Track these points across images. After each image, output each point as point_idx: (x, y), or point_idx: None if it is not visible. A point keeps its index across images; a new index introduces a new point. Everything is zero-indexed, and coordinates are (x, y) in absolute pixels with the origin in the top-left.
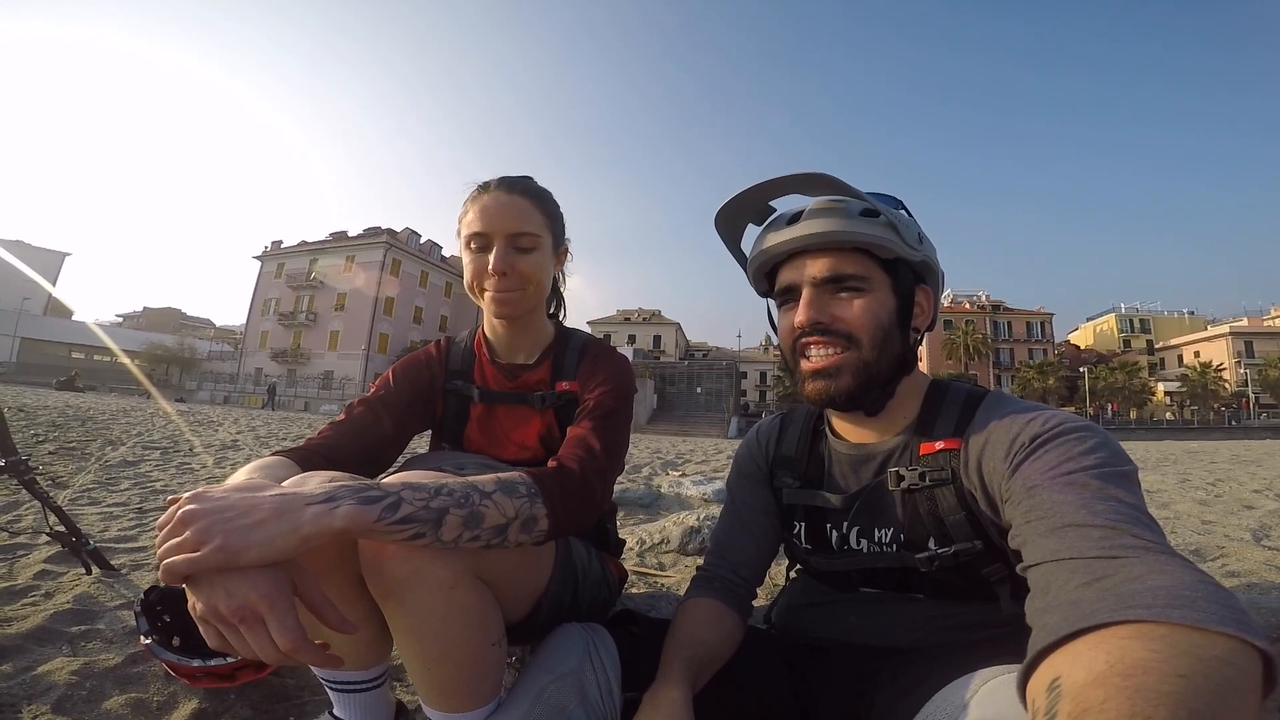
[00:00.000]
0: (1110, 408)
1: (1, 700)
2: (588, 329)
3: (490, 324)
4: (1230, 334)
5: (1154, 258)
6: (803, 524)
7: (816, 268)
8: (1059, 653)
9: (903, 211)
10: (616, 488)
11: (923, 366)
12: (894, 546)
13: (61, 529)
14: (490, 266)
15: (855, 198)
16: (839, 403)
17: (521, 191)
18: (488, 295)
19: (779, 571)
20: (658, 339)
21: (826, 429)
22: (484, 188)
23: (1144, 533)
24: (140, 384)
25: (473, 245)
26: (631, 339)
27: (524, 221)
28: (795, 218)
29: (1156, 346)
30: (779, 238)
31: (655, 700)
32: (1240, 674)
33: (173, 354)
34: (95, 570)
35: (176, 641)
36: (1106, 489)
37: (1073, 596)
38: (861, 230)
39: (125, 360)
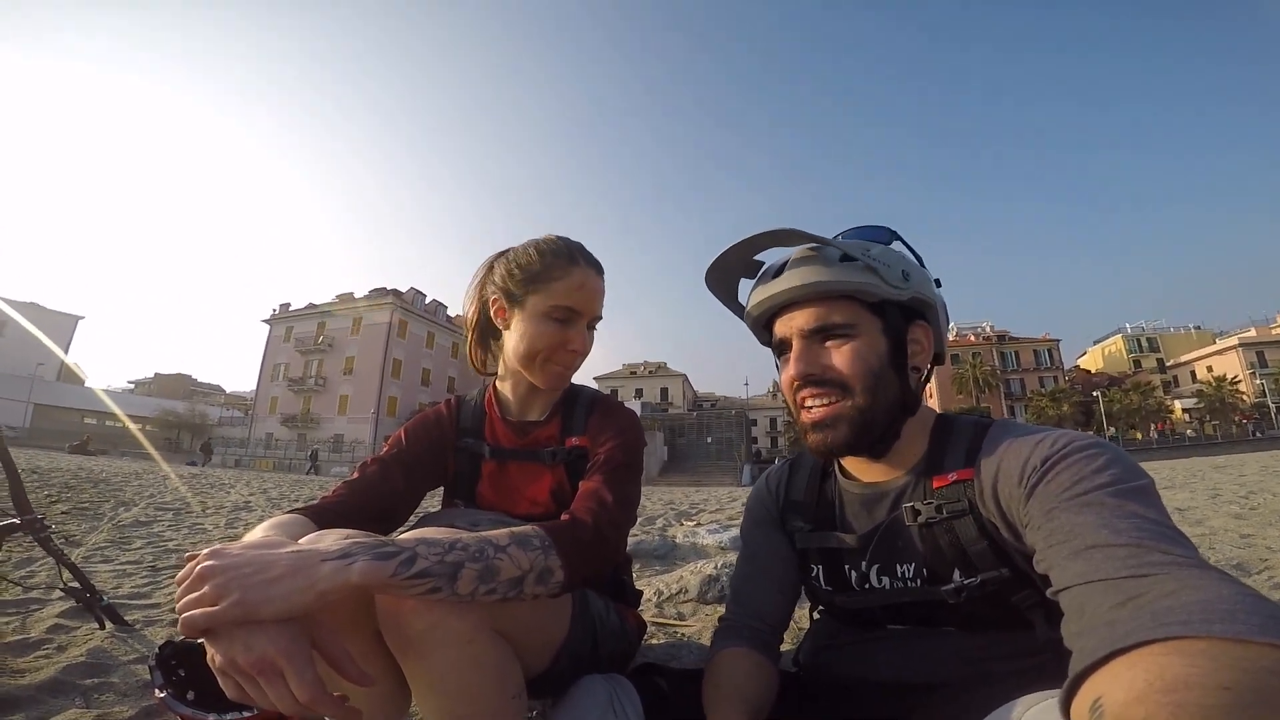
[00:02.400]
0: (1137, 435)
1: None
2: (594, 385)
3: (510, 382)
4: (1240, 345)
5: (1153, 275)
6: (820, 566)
7: (802, 319)
8: (1098, 674)
9: (896, 244)
10: (631, 539)
11: (933, 403)
12: (918, 581)
13: (75, 585)
14: (576, 345)
15: (826, 244)
16: (838, 452)
17: (600, 274)
18: (552, 368)
19: (802, 615)
20: (665, 391)
21: (836, 470)
22: (571, 261)
23: (1171, 547)
24: (150, 449)
25: (557, 318)
26: (639, 393)
27: (602, 303)
28: (779, 270)
29: (1167, 364)
30: (761, 294)
31: None
32: None
33: (184, 420)
34: (109, 625)
35: (191, 695)
36: (1124, 505)
37: (1108, 618)
38: (840, 278)
39: (131, 427)
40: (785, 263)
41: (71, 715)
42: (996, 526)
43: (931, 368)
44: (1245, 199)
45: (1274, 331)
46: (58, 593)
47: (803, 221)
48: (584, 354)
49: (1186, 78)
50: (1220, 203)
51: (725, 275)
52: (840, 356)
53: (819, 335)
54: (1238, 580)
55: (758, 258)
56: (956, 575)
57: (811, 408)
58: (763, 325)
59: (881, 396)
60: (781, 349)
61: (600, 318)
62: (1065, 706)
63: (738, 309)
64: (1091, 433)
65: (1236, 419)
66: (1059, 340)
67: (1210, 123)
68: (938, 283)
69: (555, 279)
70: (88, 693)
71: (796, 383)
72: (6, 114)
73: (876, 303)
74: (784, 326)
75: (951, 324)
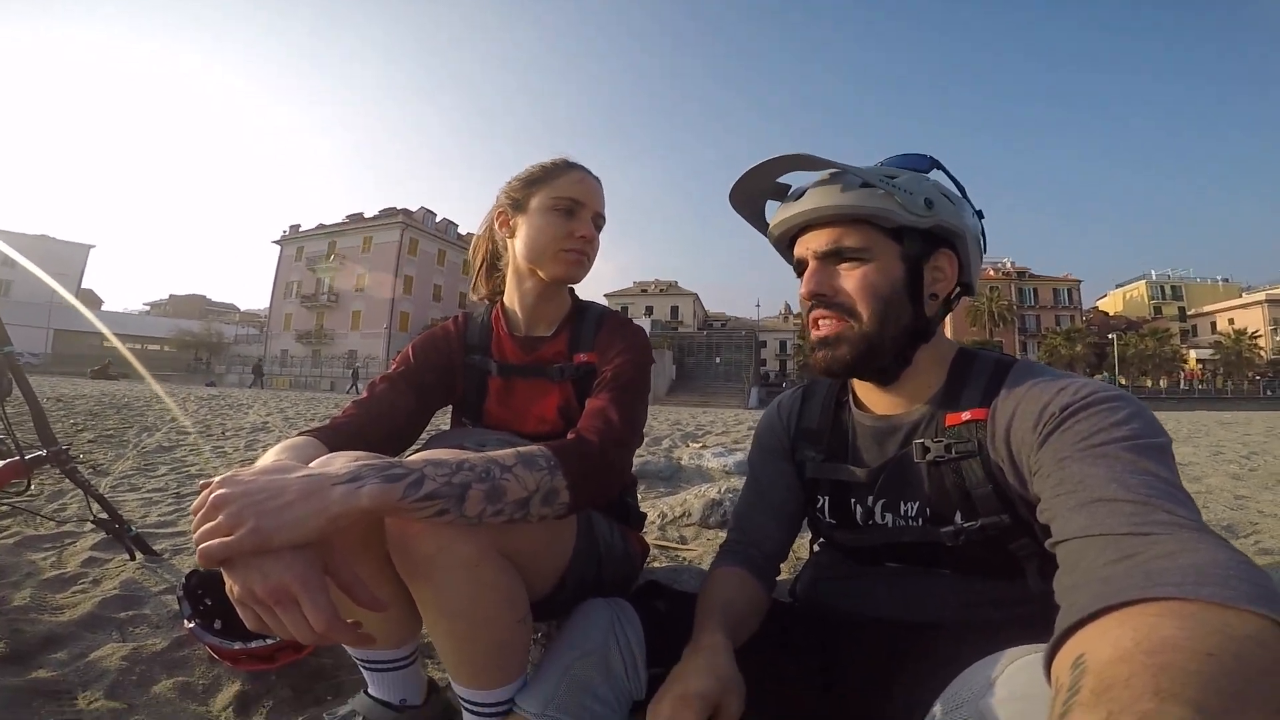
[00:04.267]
0: (1147, 382)
1: (59, 687)
2: (604, 302)
3: (518, 294)
4: (1267, 301)
5: (1186, 223)
6: (827, 498)
7: (818, 241)
8: (1085, 630)
9: (936, 173)
10: (636, 460)
11: (947, 333)
12: (920, 520)
13: (104, 516)
14: (581, 231)
15: (846, 170)
16: (838, 372)
17: (598, 181)
18: (565, 256)
19: (802, 545)
20: (675, 310)
21: (850, 401)
22: (569, 165)
23: (1177, 508)
24: (166, 371)
25: (560, 209)
26: (649, 310)
27: (603, 204)
28: (801, 193)
29: (1189, 313)
30: (780, 215)
31: (698, 645)
32: (1270, 654)
33: (200, 339)
34: (139, 556)
35: (218, 624)
36: (1139, 461)
37: (1102, 574)
38: (856, 203)
39: (127, 354)
40: (806, 186)
41: (109, 649)
42: (1003, 471)
43: (957, 298)
44: None
45: None
46: (89, 525)
47: (822, 151)
48: (592, 243)
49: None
50: (1262, 164)
51: (748, 197)
52: (851, 280)
53: (832, 258)
54: (1236, 548)
55: (784, 180)
56: (958, 517)
57: (819, 327)
58: (786, 245)
59: (891, 323)
60: (800, 269)
61: (603, 217)
62: (1049, 659)
63: (764, 227)
64: (1111, 381)
65: (1250, 375)
66: (1080, 281)
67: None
68: (980, 214)
69: (556, 177)
70: (123, 626)
71: (808, 302)
72: (13, 50)
73: (895, 229)
74: (802, 247)
75: None
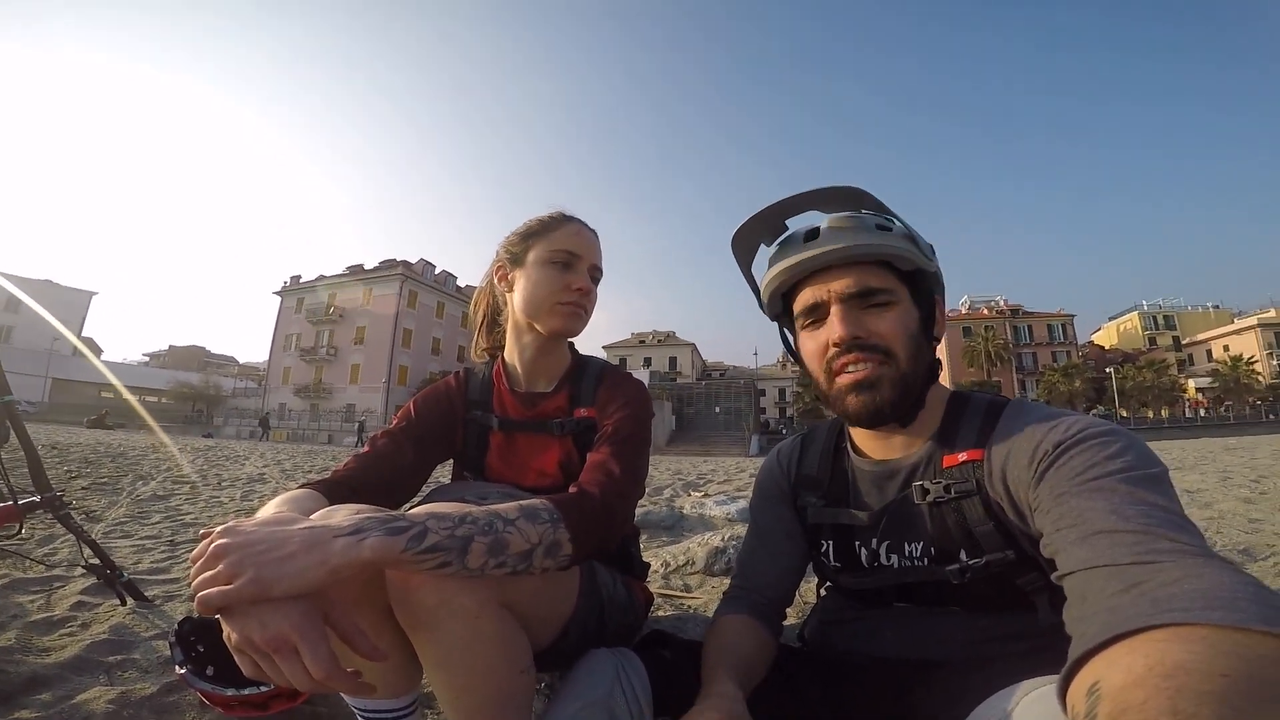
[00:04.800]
0: (1149, 414)
1: None
2: (603, 354)
3: (518, 349)
4: (1259, 325)
5: (1175, 255)
6: (831, 542)
7: (844, 283)
8: (1097, 658)
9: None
10: (638, 510)
11: (942, 376)
12: (925, 560)
13: (96, 561)
14: (577, 284)
15: (885, 212)
16: (885, 415)
17: (595, 234)
18: (562, 310)
19: (809, 589)
20: (673, 360)
21: (848, 447)
22: (566, 218)
23: (1178, 535)
24: (163, 422)
25: (557, 262)
26: (647, 362)
27: (600, 257)
28: (812, 234)
29: (1184, 342)
30: (802, 254)
31: (709, 693)
32: None
33: (198, 392)
34: (130, 601)
35: (210, 671)
36: (1136, 492)
37: (1109, 604)
38: (885, 243)
39: (130, 398)
40: (818, 228)
41: (96, 693)
42: (1003, 508)
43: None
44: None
45: None
46: (79, 570)
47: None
48: (589, 296)
49: (1210, 76)
50: (1247, 186)
51: (752, 236)
52: (884, 322)
53: (860, 299)
54: (1241, 570)
55: (785, 224)
56: (962, 555)
57: (854, 371)
58: (784, 292)
59: (920, 363)
60: (811, 315)
61: (600, 269)
62: (1063, 690)
63: (751, 277)
64: (1101, 416)
65: (1250, 400)
66: (1074, 316)
67: (1239, 119)
68: None
69: (553, 230)
70: (111, 670)
71: (837, 347)
72: (19, 98)
73: (910, 271)
74: (817, 291)
75: (964, 296)
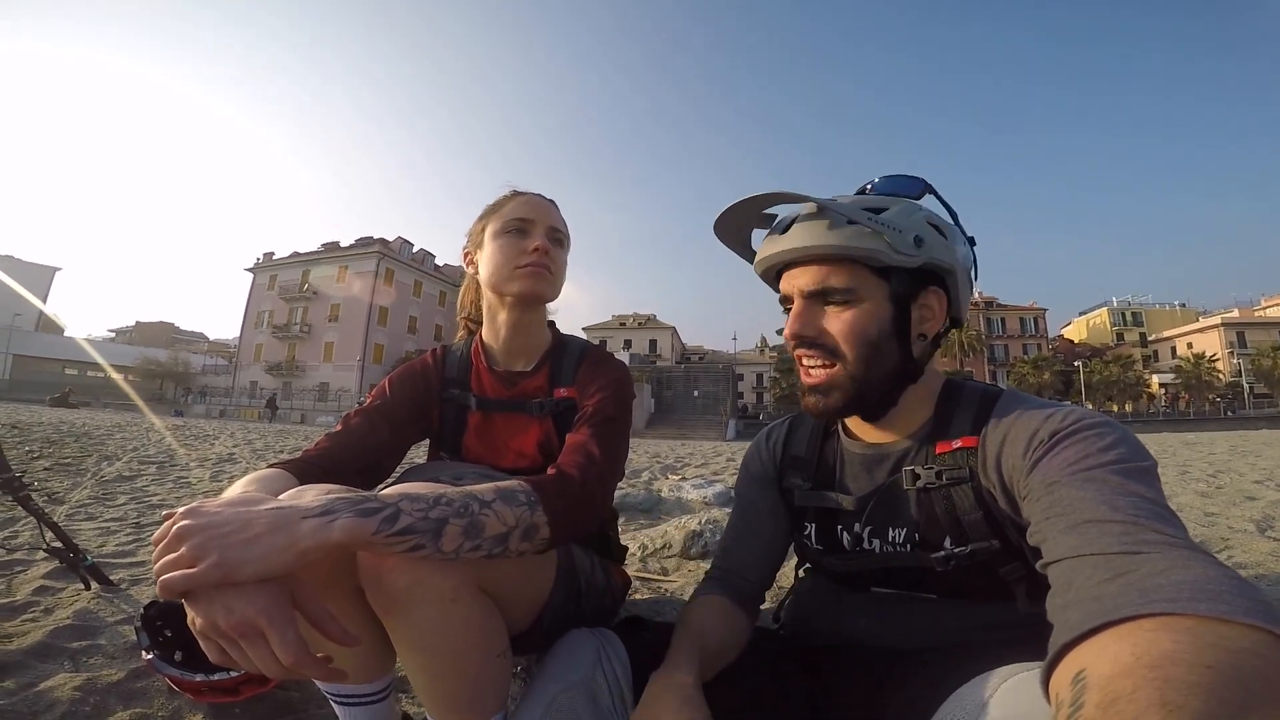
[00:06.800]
0: (1113, 408)
1: (5, 718)
2: (583, 335)
3: (493, 326)
4: (1222, 325)
5: (1144, 253)
6: (814, 525)
7: (804, 279)
8: (1083, 647)
9: (927, 197)
10: (616, 493)
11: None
12: (908, 546)
13: (58, 545)
14: (533, 244)
15: (832, 207)
16: (833, 418)
17: (552, 202)
18: (522, 272)
19: (785, 573)
20: (654, 343)
21: (839, 429)
22: (515, 192)
23: (1166, 528)
24: (133, 400)
25: (510, 230)
26: (627, 344)
27: (559, 221)
28: (786, 227)
29: (1149, 339)
30: (766, 251)
31: (664, 682)
32: (1268, 665)
33: (166, 369)
34: (94, 585)
35: (179, 656)
36: (1127, 484)
37: (1095, 592)
38: (843, 242)
39: (116, 377)
40: (793, 220)
41: (61, 679)
42: (994, 496)
43: (946, 332)
44: (1245, 186)
45: (1257, 314)
46: (41, 554)
47: (799, 181)
48: (549, 255)
49: (1192, 69)
50: (1220, 188)
51: (735, 229)
52: (837, 323)
53: (819, 297)
54: (1225, 564)
55: (771, 210)
56: (947, 543)
57: (809, 369)
58: (772, 277)
59: (877, 366)
60: (786, 305)
61: (561, 231)
62: (1046, 678)
63: (750, 257)
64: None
65: (1210, 397)
66: (1046, 310)
67: (1220, 113)
68: (971, 241)
69: (504, 205)
70: (75, 656)
71: (792, 342)
72: None
73: (882, 268)
74: (788, 283)
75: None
